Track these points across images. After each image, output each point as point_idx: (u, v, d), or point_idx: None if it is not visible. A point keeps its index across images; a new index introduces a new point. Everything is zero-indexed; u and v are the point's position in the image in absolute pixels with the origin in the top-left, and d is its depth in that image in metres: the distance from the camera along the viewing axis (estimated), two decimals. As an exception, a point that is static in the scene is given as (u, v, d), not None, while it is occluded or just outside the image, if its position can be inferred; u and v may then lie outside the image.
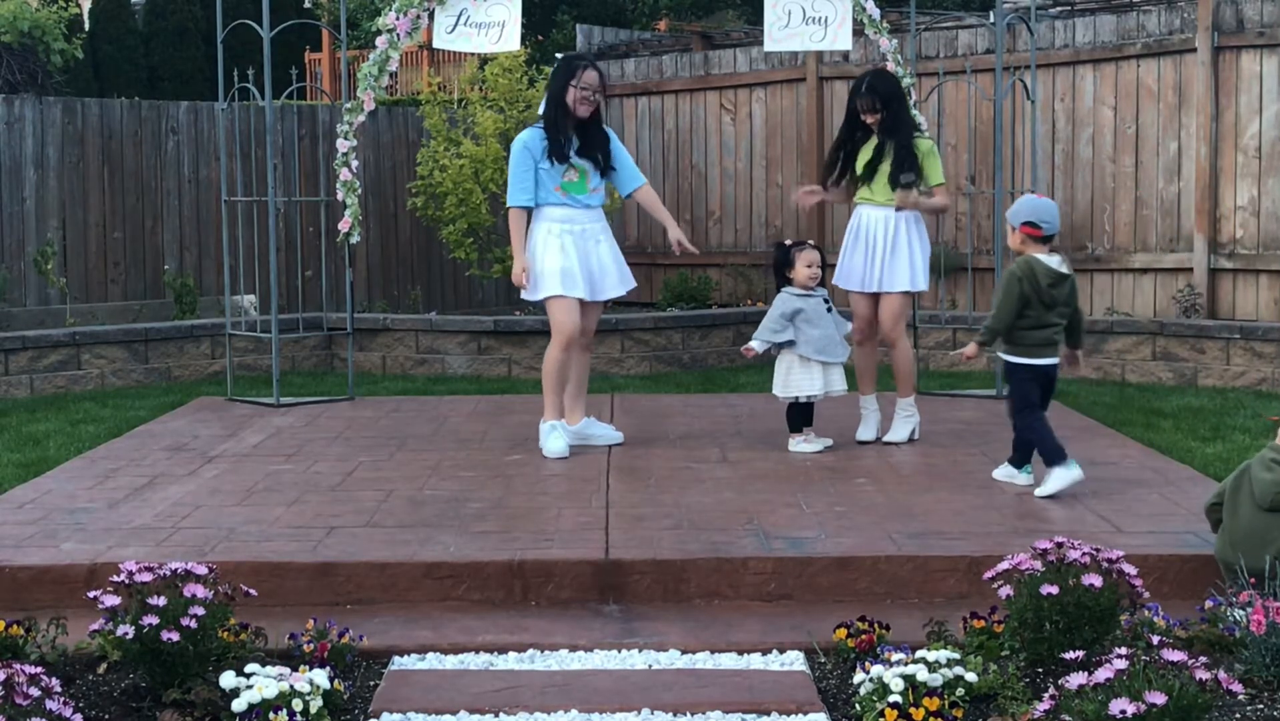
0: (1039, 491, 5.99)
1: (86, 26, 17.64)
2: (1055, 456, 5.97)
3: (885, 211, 7.21)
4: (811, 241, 7.14)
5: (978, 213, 11.00)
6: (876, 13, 8.57)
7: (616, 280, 7.08)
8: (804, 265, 6.96)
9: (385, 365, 10.91)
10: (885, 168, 7.19)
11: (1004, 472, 6.32)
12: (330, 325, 10.73)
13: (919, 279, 7.30)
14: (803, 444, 7.05)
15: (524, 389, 9.92)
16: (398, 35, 8.56)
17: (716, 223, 12.70)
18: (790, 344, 6.95)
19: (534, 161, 6.90)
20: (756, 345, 6.98)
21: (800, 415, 7.09)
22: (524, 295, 7.03)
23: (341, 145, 8.64)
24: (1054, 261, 6.01)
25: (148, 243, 11.98)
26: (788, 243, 7.13)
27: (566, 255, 6.86)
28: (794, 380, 6.98)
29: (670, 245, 7.23)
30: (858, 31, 8.99)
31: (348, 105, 8.73)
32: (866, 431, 7.31)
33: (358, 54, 17.94)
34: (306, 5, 13.07)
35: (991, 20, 10.24)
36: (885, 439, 7.22)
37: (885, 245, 7.20)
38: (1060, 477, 5.93)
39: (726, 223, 12.62)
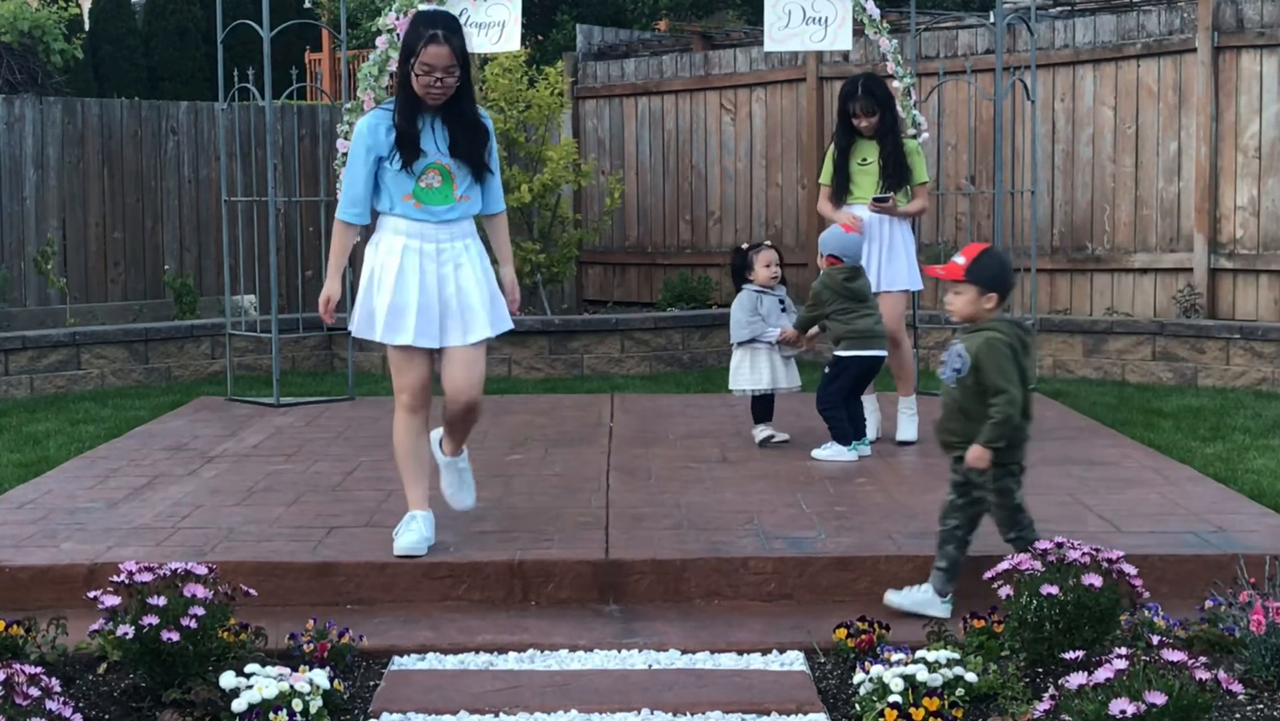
0: (816, 453, 6.84)
1: (86, 26, 17.63)
2: (843, 438, 6.84)
3: (879, 214, 7.23)
4: (768, 242, 7.34)
5: (978, 213, 11.00)
6: (876, 13, 8.57)
7: (481, 319, 5.18)
8: (763, 266, 7.18)
9: (385, 365, 10.87)
10: (875, 170, 7.22)
11: (831, 451, 6.84)
12: (330, 325, 10.72)
13: (917, 278, 7.37)
14: (762, 432, 7.24)
15: (524, 388, 9.93)
16: (398, 35, 8.56)
17: (716, 223, 12.70)
18: (751, 341, 7.17)
19: (377, 157, 5.12)
20: (744, 335, 7.19)
21: (761, 406, 7.28)
22: (352, 327, 5.32)
23: (341, 145, 8.64)
24: (847, 262, 6.93)
25: (148, 243, 11.98)
26: (744, 246, 7.36)
27: (404, 285, 5.10)
28: (742, 374, 7.20)
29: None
30: (858, 31, 8.99)
31: (348, 105, 8.73)
32: (868, 431, 7.31)
33: (358, 54, 17.94)
34: (306, 5, 13.04)
35: (991, 20, 10.24)
36: (899, 439, 7.24)
37: (881, 246, 7.24)
38: (837, 451, 6.81)
39: (726, 222, 12.62)
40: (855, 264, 6.97)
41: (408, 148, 5.08)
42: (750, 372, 7.16)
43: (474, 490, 5.57)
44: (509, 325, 5.31)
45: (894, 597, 4.75)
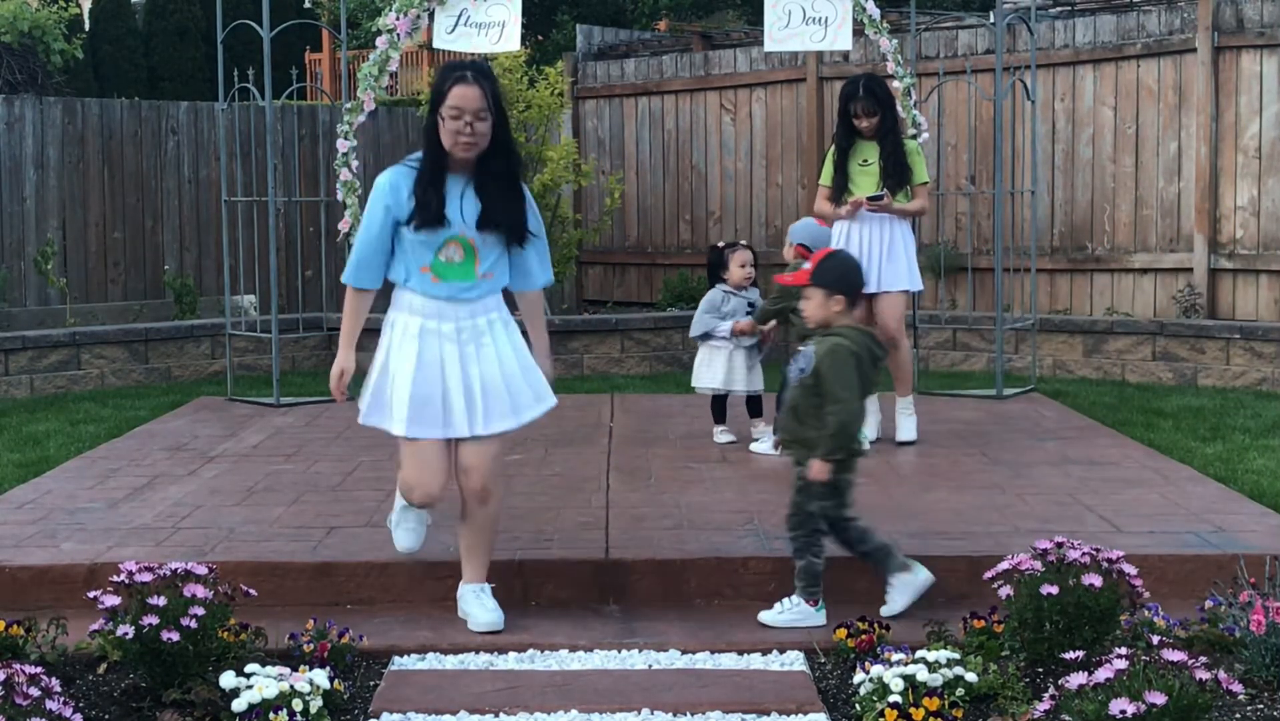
0: (755, 446, 7.03)
1: (86, 26, 17.64)
2: None
3: (878, 214, 7.23)
4: (744, 241, 7.38)
5: (978, 213, 11.00)
6: (876, 13, 8.57)
7: (515, 403, 4.66)
8: (737, 266, 7.25)
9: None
10: (875, 171, 7.20)
11: (769, 445, 6.86)
12: (330, 325, 10.73)
13: (916, 278, 7.36)
14: (721, 435, 7.33)
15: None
16: (398, 35, 8.56)
17: (716, 222, 12.70)
18: (707, 336, 7.26)
19: (395, 221, 4.60)
20: (696, 332, 7.31)
21: (720, 406, 7.38)
22: (360, 416, 4.76)
23: (341, 145, 8.64)
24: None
25: (148, 242, 11.98)
26: (721, 245, 7.44)
27: (425, 370, 4.59)
28: (701, 373, 7.30)
29: None
30: (858, 31, 8.99)
31: (348, 105, 8.73)
32: (866, 431, 7.30)
33: (358, 54, 17.94)
34: (306, 5, 13.05)
35: (991, 20, 10.24)
36: (899, 439, 7.20)
37: (881, 246, 7.22)
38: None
39: (727, 222, 12.62)
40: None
41: (429, 215, 4.54)
42: (707, 371, 7.24)
43: (500, 613, 4.69)
44: (546, 405, 4.75)
45: (766, 616, 4.70)
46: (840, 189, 7.31)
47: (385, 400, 4.65)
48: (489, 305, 4.67)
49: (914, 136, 8.31)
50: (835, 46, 8.66)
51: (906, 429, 7.26)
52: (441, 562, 5.01)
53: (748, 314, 7.17)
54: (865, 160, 7.25)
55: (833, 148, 7.37)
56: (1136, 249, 10.54)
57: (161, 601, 4.01)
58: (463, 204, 4.57)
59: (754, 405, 7.36)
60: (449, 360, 4.59)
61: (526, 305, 4.91)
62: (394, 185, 4.59)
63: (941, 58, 11.24)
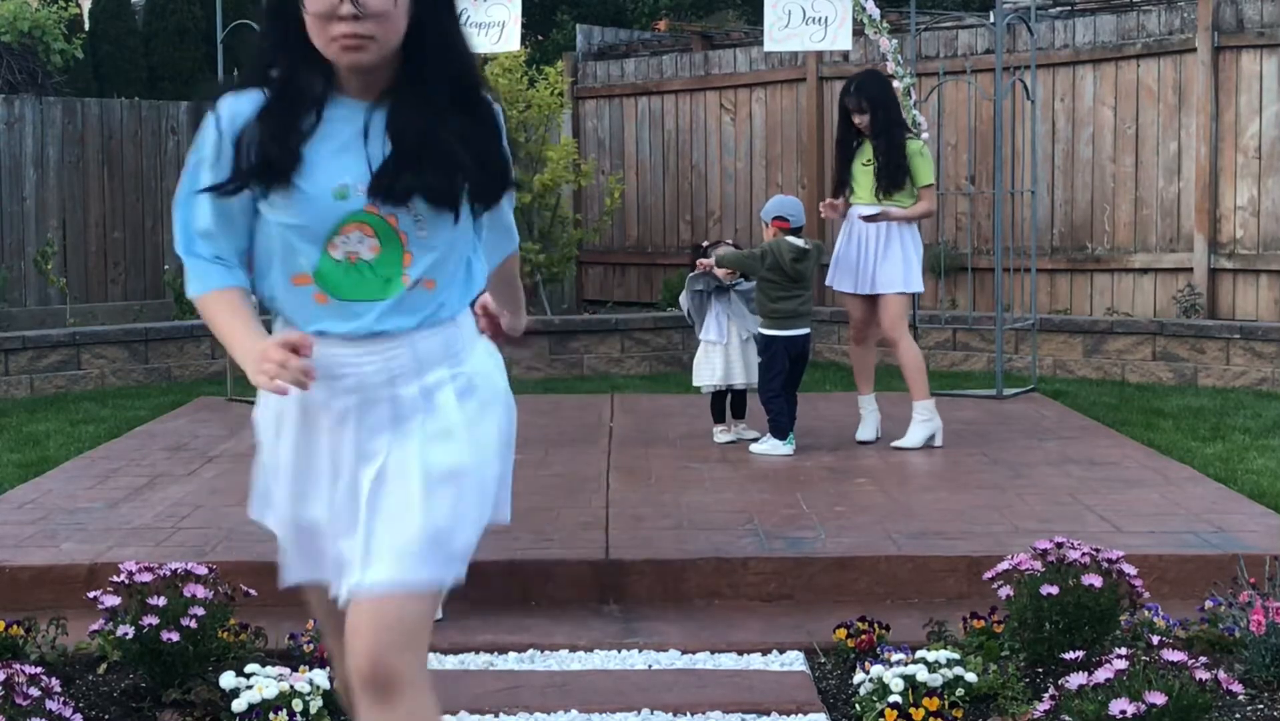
0: (753, 447, 7.00)
1: (86, 26, 17.63)
2: (779, 432, 6.94)
3: (877, 212, 7.21)
4: (729, 240, 7.41)
5: (978, 213, 11.00)
6: (876, 13, 8.57)
7: (430, 541, 2.75)
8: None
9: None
10: (871, 170, 7.18)
11: (768, 446, 6.95)
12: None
13: (914, 280, 7.25)
14: (721, 435, 7.30)
15: (524, 389, 9.91)
16: (398, 35, 8.55)
17: (716, 222, 12.70)
18: (692, 326, 7.30)
19: (231, 183, 2.51)
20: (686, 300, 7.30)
21: (719, 405, 7.32)
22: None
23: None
24: (799, 242, 6.98)
25: (148, 242, 11.99)
26: (704, 244, 7.43)
27: (311, 467, 2.62)
28: (701, 371, 7.27)
29: None
30: (858, 31, 8.99)
31: (348, 105, 8.73)
32: (866, 431, 7.30)
33: (358, 54, 17.91)
34: (306, 5, 13.04)
35: (991, 20, 10.24)
36: (895, 444, 7.10)
37: (879, 246, 7.19)
38: (773, 445, 6.93)
39: (726, 222, 12.62)
40: (800, 224, 7.06)
41: (278, 162, 2.45)
42: (706, 367, 7.22)
43: None
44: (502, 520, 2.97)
45: None
46: (841, 185, 7.31)
47: (264, 493, 2.72)
48: (432, 352, 2.58)
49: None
50: (835, 46, 8.67)
51: (910, 435, 7.11)
52: (441, 562, 5.01)
53: (725, 285, 7.14)
54: (868, 160, 7.23)
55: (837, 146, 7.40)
56: (1136, 249, 10.54)
57: (161, 601, 4.00)
58: (368, 149, 2.48)
59: (740, 405, 7.34)
60: (342, 454, 2.59)
61: (500, 272, 2.85)
62: (232, 111, 2.51)
63: (941, 58, 11.24)
